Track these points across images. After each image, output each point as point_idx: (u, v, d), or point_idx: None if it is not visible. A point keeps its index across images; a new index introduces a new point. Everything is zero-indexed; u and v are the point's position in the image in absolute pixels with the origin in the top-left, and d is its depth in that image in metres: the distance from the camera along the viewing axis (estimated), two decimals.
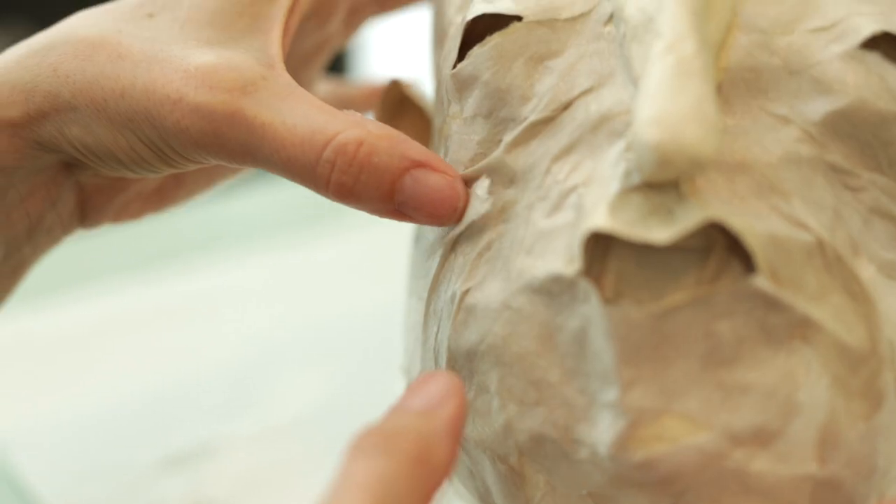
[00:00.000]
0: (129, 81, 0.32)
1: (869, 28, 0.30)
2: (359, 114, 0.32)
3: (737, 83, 0.30)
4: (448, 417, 0.27)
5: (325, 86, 0.47)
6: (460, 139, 0.33)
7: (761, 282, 0.28)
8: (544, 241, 0.30)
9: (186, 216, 0.66)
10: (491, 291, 0.31)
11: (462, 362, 0.32)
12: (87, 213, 0.38)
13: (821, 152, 0.30)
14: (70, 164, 0.36)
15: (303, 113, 0.31)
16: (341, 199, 0.31)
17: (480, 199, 0.32)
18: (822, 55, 0.30)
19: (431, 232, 0.34)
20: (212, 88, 0.31)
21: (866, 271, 0.30)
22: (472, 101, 0.32)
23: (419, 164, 0.31)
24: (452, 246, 0.33)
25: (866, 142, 0.30)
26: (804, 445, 0.28)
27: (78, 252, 0.56)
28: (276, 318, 0.57)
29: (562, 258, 0.29)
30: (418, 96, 0.39)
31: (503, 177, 0.32)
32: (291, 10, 0.35)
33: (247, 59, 0.32)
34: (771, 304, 0.28)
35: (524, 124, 0.31)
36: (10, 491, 0.47)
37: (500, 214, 0.31)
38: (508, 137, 0.32)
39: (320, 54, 0.41)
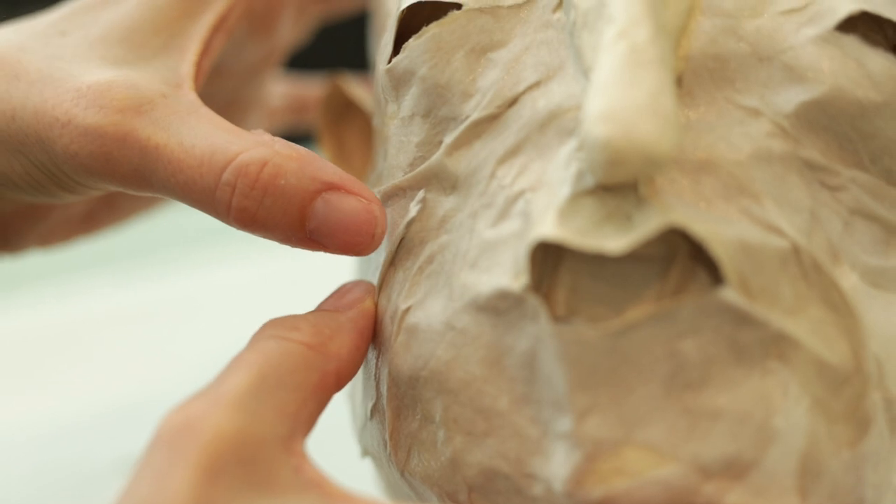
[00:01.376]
0: (21, 102, 0.30)
1: (845, 8, 0.27)
2: (267, 134, 0.29)
3: (700, 73, 0.27)
4: (353, 314, 0.28)
5: (282, 87, 0.45)
6: (398, 141, 0.30)
7: (730, 294, 0.25)
8: (489, 253, 0.27)
9: (177, 215, 0.64)
10: (433, 310, 0.28)
11: (405, 389, 0.28)
12: (9, 238, 0.36)
13: (795, 148, 0.27)
14: None
15: (203, 133, 0.28)
16: (244, 227, 0.28)
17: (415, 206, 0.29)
18: (794, 39, 0.27)
19: (379, 261, 0.31)
20: (102, 108, 0.29)
21: (848, 280, 0.27)
22: (410, 99, 0.29)
23: (332, 187, 0.28)
24: (392, 259, 0.29)
25: (845, 135, 0.27)
26: (783, 477, 0.25)
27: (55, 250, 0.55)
28: (262, 319, 0.55)
29: (508, 272, 0.26)
30: (363, 99, 0.36)
31: (444, 182, 0.29)
32: (216, 29, 0.32)
33: (150, 77, 0.30)
34: (742, 318, 0.25)
35: (466, 123, 0.28)
36: None
37: (441, 224, 0.28)
38: (449, 138, 0.28)
39: (268, 63, 0.39)
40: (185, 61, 0.31)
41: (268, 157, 0.28)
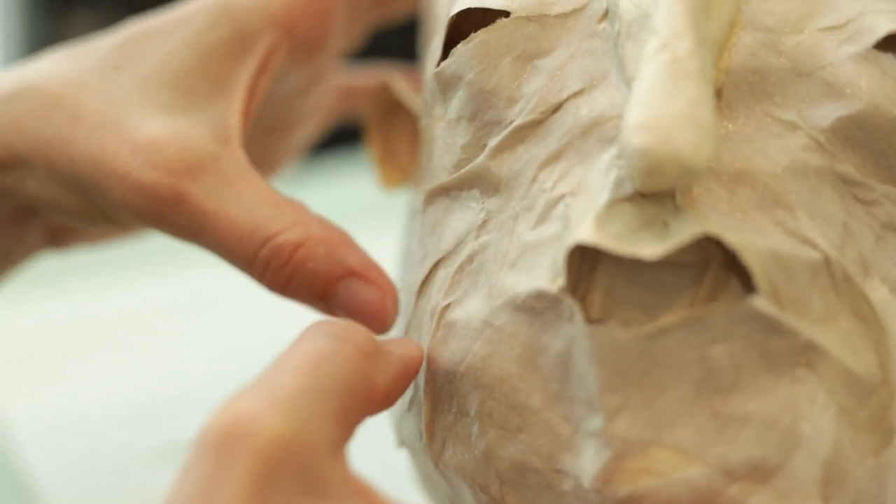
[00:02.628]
0: (81, 148, 0.32)
1: (884, 27, 0.28)
2: (307, 211, 0.32)
3: (740, 86, 0.28)
4: (403, 352, 0.28)
5: (338, 80, 0.45)
6: (444, 143, 0.31)
7: (761, 303, 0.26)
8: (529, 254, 0.28)
9: None
10: (472, 308, 0.29)
11: (441, 383, 0.29)
12: (58, 239, 0.38)
13: (830, 162, 0.27)
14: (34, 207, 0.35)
15: (247, 204, 0.31)
16: (275, 293, 0.32)
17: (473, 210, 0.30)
18: (833, 56, 0.28)
19: (419, 246, 0.32)
20: (157, 168, 0.31)
21: (878, 293, 0.27)
22: (456, 103, 0.30)
23: (354, 274, 0.31)
24: (436, 264, 0.30)
25: (880, 151, 0.28)
26: (807, 482, 0.26)
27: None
28: (279, 316, 0.56)
29: (546, 273, 0.27)
30: (411, 99, 0.37)
31: (487, 184, 0.29)
32: (261, 71, 0.34)
33: (200, 132, 0.32)
34: (772, 327, 0.26)
35: (510, 128, 0.29)
36: (8, 477, 0.47)
37: (484, 225, 0.29)
38: (493, 142, 0.29)
39: (317, 82, 0.39)
40: (233, 111, 0.33)
41: (302, 240, 0.31)
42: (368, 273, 0.31)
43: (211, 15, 0.33)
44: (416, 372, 0.29)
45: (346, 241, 0.31)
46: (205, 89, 0.33)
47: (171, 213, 0.31)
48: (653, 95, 0.25)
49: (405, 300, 0.32)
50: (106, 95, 0.33)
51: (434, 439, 0.30)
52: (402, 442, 0.32)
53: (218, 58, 0.33)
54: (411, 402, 0.31)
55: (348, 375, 0.25)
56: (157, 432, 0.49)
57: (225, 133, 0.32)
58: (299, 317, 0.32)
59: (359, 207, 0.65)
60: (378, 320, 0.31)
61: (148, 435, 0.48)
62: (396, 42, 0.66)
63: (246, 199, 0.31)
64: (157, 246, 0.59)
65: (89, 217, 0.33)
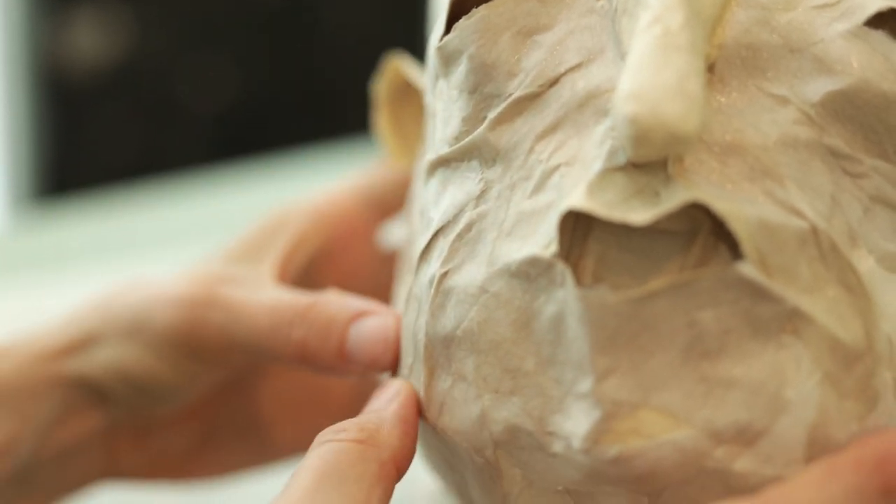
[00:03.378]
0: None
1: (875, 5, 0.28)
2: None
3: (732, 61, 0.29)
4: (396, 408, 0.30)
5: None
6: (445, 116, 0.32)
7: (748, 269, 0.26)
8: (525, 223, 0.29)
9: (208, 204, 0.66)
10: (469, 275, 0.30)
11: (439, 348, 0.30)
12: (116, 457, 0.39)
13: (820, 135, 0.28)
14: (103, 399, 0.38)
15: (270, 295, 0.36)
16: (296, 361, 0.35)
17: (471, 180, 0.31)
18: (824, 33, 0.28)
19: (421, 217, 0.33)
20: (192, 281, 0.36)
21: (864, 263, 0.28)
22: (457, 77, 0.31)
23: (361, 314, 0.34)
24: (435, 234, 0.31)
25: (870, 126, 0.28)
26: (791, 446, 0.27)
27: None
28: None
29: (541, 241, 0.28)
30: (420, 78, 0.38)
31: (486, 155, 0.30)
32: (294, 246, 0.38)
33: (235, 269, 0.37)
34: (759, 293, 0.27)
35: (509, 100, 0.30)
36: None
37: (482, 195, 0.30)
38: (493, 114, 0.30)
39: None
40: (266, 264, 0.37)
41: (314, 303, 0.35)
42: (371, 307, 0.34)
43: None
44: (416, 409, 0.31)
45: (342, 299, 0.35)
46: (253, 255, 0.38)
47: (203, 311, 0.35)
48: (644, 67, 0.26)
49: (407, 270, 0.33)
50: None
51: (432, 403, 0.31)
52: None
53: (259, 240, 0.38)
54: (411, 368, 0.32)
55: (351, 463, 0.28)
56: None
57: (259, 272, 0.37)
58: None
59: None
60: (386, 342, 0.33)
61: None
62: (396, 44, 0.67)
63: (269, 292, 0.35)
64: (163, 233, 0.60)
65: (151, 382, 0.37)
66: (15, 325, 0.57)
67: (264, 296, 0.35)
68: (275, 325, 0.34)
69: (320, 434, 0.29)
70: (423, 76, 0.37)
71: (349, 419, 0.30)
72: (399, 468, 0.29)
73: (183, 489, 0.41)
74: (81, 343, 0.37)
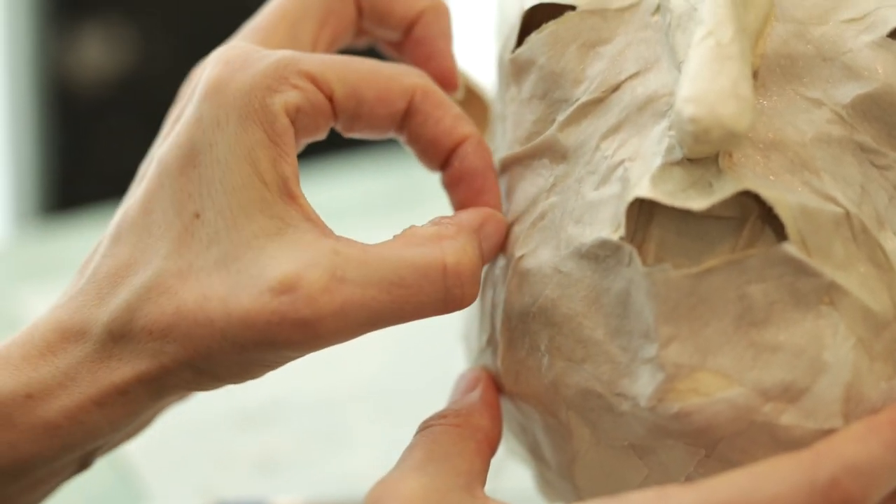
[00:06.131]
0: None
1: None
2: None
3: (773, 69, 0.33)
4: (481, 393, 0.35)
5: None
6: (517, 119, 0.36)
7: (791, 249, 0.30)
8: (593, 210, 0.33)
9: None
10: (543, 257, 0.34)
11: (516, 323, 0.34)
12: None
13: (850, 133, 0.32)
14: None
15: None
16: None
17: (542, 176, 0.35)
18: (853, 44, 0.33)
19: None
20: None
21: (891, 243, 0.32)
22: (529, 84, 0.35)
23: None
24: (510, 223, 0.35)
25: (894, 124, 0.32)
26: (830, 402, 0.31)
27: None
28: None
29: (608, 226, 0.32)
30: (479, 86, 0.42)
31: (556, 153, 0.34)
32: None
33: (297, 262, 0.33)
34: (801, 270, 0.31)
35: (576, 105, 0.34)
36: None
37: (552, 187, 0.34)
38: (561, 117, 0.34)
39: None
40: (301, 209, 0.33)
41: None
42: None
43: (234, 116, 0.33)
44: (496, 394, 0.35)
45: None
46: (274, 201, 0.33)
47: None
48: (700, 74, 0.30)
49: None
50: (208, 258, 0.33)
51: (508, 372, 0.35)
52: None
53: (267, 162, 0.33)
54: (488, 342, 0.36)
55: (453, 442, 0.33)
56: (233, 399, 0.53)
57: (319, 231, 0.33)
58: None
59: (358, 207, 0.69)
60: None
61: (225, 401, 0.52)
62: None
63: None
64: None
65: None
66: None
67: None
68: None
69: (424, 420, 0.34)
70: (485, 86, 0.42)
71: (448, 407, 0.35)
72: (492, 445, 0.34)
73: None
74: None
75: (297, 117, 0.33)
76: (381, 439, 0.52)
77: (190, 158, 0.33)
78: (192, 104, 0.34)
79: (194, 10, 1.35)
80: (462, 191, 0.35)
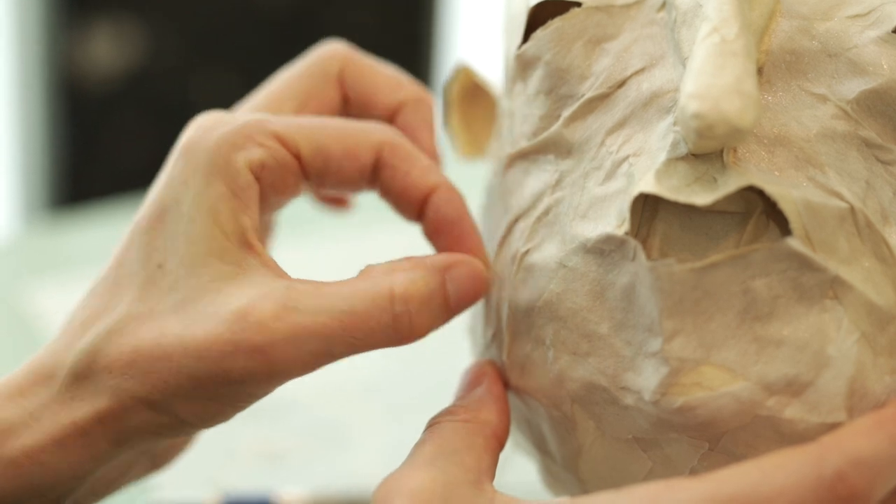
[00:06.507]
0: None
1: None
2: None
3: (778, 64, 0.33)
4: (489, 388, 0.35)
5: None
6: (523, 115, 0.36)
7: (796, 243, 0.31)
8: (598, 206, 0.33)
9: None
10: (548, 252, 0.34)
11: (521, 317, 0.35)
12: (157, 461, 0.40)
13: (855, 128, 0.32)
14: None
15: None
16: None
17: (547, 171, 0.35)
18: (858, 39, 0.33)
19: (500, 204, 0.37)
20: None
21: (895, 238, 0.32)
22: (535, 80, 0.35)
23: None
24: (516, 218, 0.36)
25: None
26: (834, 396, 0.31)
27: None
28: None
29: (613, 221, 0.32)
30: (487, 82, 0.42)
31: (561, 149, 0.35)
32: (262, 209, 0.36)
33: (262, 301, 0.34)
34: (805, 264, 0.31)
35: (581, 100, 0.34)
36: None
37: (558, 183, 0.34)
38: (567, 112, 0.35)
39: None
40: (260, 257, 0.35)
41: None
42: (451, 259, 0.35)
43: (200, 173, 0.35)
44: (503, 388, 0.36)
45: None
46: (233, 249, 0.34)
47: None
48: (705, 70, 0.30)
49: (488, 251, 0.37)
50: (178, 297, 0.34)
51: (513, 366, 0.35)
52: None
53: (228, 214, 0.34)
54: (493, 337, 0.36)
55: (462, 437, 0.33)
56: None
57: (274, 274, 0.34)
58: None
59: (358, 206, 0.69)
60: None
61: None
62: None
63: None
64: None
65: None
66: (31, 334, 0.61)
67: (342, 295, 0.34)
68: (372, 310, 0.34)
69: (433, 417, 0.34)
70: (493, 82, 0.42)
71: (455, 402, 0.35)
72: (500, 440, 0.34)
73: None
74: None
75: (262, 174, 0.35)
76: (387, 433, 0.52)
77: (159, 215, 0.35)
78: (166, 167, 0.36)
79: (202, 7, 1.35)
80: (442, 240, 0.37)
